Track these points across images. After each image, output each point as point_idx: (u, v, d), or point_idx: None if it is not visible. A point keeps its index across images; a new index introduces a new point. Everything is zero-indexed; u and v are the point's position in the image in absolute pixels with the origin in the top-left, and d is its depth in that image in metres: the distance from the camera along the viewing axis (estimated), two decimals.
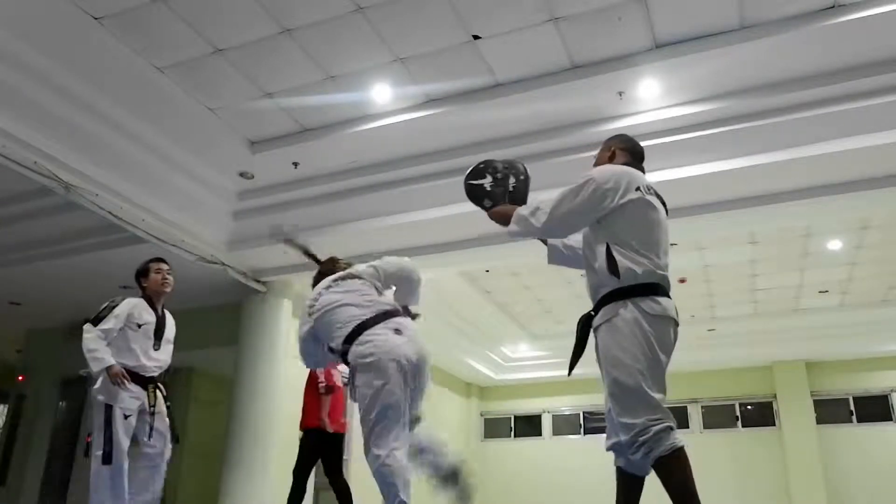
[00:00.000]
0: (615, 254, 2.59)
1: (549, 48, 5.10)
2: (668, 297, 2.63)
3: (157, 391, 4.30)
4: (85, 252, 7.02)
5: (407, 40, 5.06)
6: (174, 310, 9.56)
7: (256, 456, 7.29)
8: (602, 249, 2.63)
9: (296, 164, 6.46)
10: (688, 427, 12.53)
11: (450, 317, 10.30)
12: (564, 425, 13.46)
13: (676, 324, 2.64)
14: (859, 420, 11.77)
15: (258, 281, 7.85)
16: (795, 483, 11.23)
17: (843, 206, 6.19)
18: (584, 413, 13.20)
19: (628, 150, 3.02)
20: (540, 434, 13.51)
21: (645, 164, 5.51)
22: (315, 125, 6.11)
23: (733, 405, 12.42)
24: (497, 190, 3.02)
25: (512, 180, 3.03)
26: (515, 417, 13.90)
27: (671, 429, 2.45)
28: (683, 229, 6.79)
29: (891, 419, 11.60)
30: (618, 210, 2.65)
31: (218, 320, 8.39)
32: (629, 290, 2.56)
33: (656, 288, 2.60)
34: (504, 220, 2.90)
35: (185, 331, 9.36)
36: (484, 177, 3.04)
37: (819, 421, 11.72)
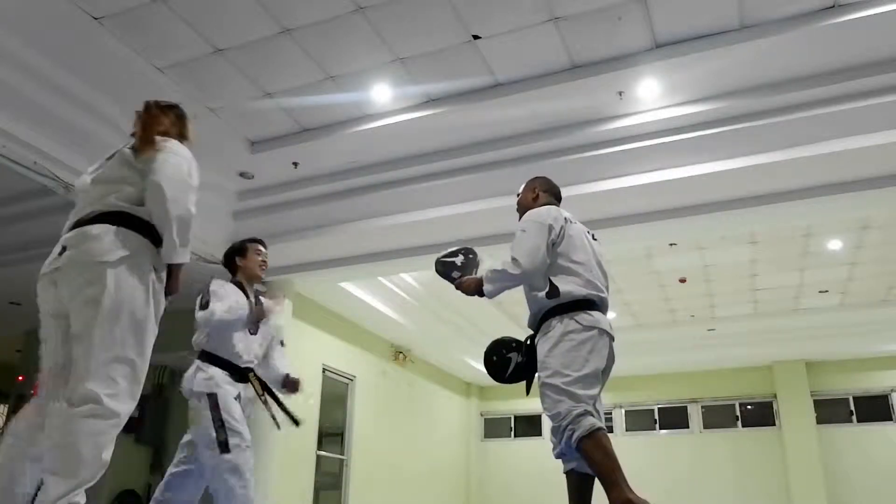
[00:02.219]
0: (553, 279, 2.98)
1: (549, 48, 5.10)
2: (603, 314, 3.03)
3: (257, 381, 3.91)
4: None
5: (407, 40, 5.06)
6: (175, 309, 9.55)
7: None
8: (544, 278, 3.00)
9: (296, 164, 6.46)
10: (688, 427, 12.54)
11: (450, 317, 10.30)
12: None
13: (611, 337, 3.01)
14: (859, 420, 11.77)
15: None
16: (795, 483, 11.23)
17: (843, 206, 6.19)
18: None
19: (549, 192, 3.43)
20: (540, 434, 13.51)
21: (645, 164, 5.63)
22: (315, 125, 6.12)
23: (733, 405, 12.42)
24: (467, 268, 3.35)
25: (477, 263, 3.37)
26: (515, 417, 13.90)
27: (589, 414, 2.75)
28: (683, 229, 6.80)
29: (891, 419, 11.60)
30: (556, 244, 3.05)
31: None
32: (565, 306, 2.94)
33: (589, 303, 2.98)
34: (475, 285, 3.20)
35: (184, 331, 9.36)
36: (456, 255, 3.35)
37: (819, 421, 11.72)
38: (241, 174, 6.69)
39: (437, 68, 5.34)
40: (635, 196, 6.02)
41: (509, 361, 3.19)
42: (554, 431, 2.84)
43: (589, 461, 2.73)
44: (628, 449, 14.36)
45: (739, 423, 12.28)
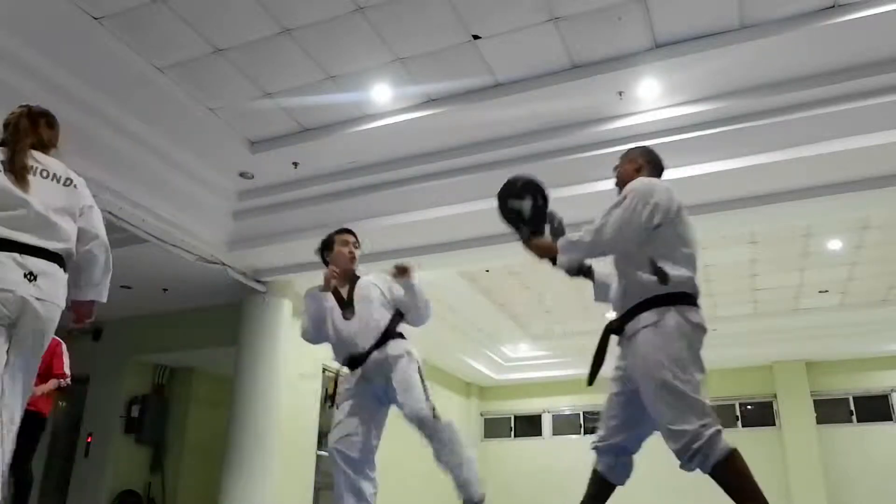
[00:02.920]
0: (660, 263, 2.62)
1: (549, 48, 5.10)
2: None
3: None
4: None
5: (407, 40, 5.06)
6: (174, 310, 9.55)
7: (256, 456, 7.29)
8: (645, 258, 2.65)
9: (296, 164, 6.46)
10: None
11: (450, 317, 10.30)
12: (564, 425, 13.46)
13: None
14: (859, 420, 11.77)
15: (258, 281, 7.85)
16: (795, 483, 11.23)
17: (843, 206, 6.19)
18: (584, 413, 13.20)
19: (654, 164, 3.04)
20: (540, 434, 13.52)
21: None
22: (315, 125, 6.11)
23: (733, 405, 12.42)
24: (535, 220, 2.92)
25: (547, 213, 2.93)
26: (515, 417, 13.90)
27: (720, 432, 2.47)
28: None
29: (891, 419, 11.60)
30: (666, 225, 2.67)
31: (218, 320, 8.40)
32: (676, 297, 2.60)
33: (696, 300, 2.66)
34: (545, 251, 2.85)
35: (185, 331, 9.39)
36: (522, 198, 2.91)
37: (819, 421, 11.71)
38: (241, 174, 6.69)
39: (437, 68, 5.34)
40: None
41: (523, 199, 2.83)
42: (681, 453, 2.49)
43: (727, 486, 2.45)
44: None
45: (739, 423, 12.28)
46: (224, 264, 7.39)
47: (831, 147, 5.36)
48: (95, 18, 4.82)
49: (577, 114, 5.70)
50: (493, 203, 2.94)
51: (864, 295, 9.80)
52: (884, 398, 11.73)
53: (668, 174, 5.86)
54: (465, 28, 4.92)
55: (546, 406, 13.53)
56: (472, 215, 6.44)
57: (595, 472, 2.84)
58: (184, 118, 5.85)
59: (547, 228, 2.93)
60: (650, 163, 3.02)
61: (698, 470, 2.51)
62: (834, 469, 11.26)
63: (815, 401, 11.82)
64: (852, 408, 11.88)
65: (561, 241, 2.79)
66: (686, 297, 2.62)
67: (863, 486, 11.06)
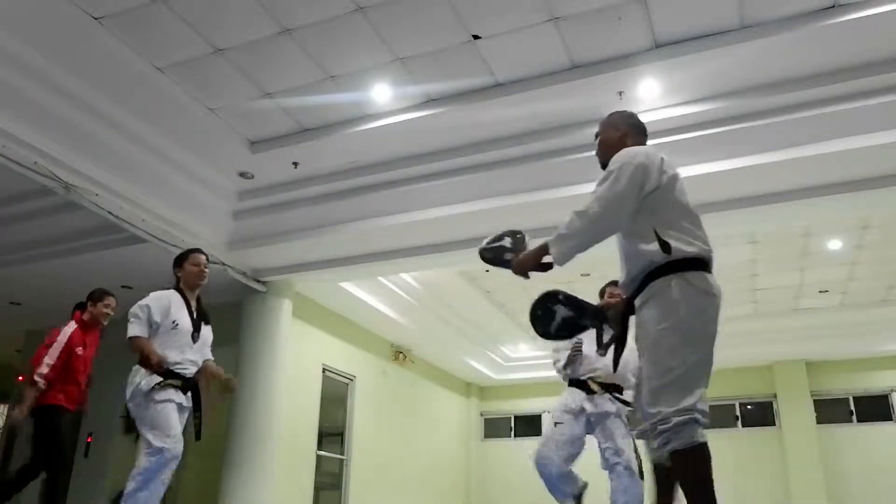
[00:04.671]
0: (660, 233, 2.47)
1: (549, 48, 5.10)
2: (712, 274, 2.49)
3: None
4: (85, 252, 7.02)
5: (407, 40, 5.07)
6: None
7: (256, 456, 7.29)
8: (647, 229, 2.50)
9: (296, 164, 6.47)
10: None
11: (450, 317, 10.30)
12: None
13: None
14: (859, 420, 11.76)
15: (258, 281, 7.85)
16: (795, 483, 11.22)
17: (843, 206, 6.19)
18: None
19: (637, 128, 2.95)
20: (540, 434, 13.48)
21: None
22: (315, 125, 6.12)
23: (733, 405, 12.41)
24: (517, 249, 2.81)
25: (526, 245, 2.82)
26: (515, 417, 13.88)
27: (695, 422, 2.27)
28: None
29: (891, 419, 11.58)
30: (656, 191, 2.56)
31: (218, 320, 8.33)
32: (678, 264, 2.42)
33: (705, 263, 2.48)
34: (534, 257, 2.65)
35: None
36: (502, 239, 2.85)
37: (819, 421, 11.71)
38: (241, 174, 6.70)
39: (437, 68, 5.34)
40: None
41: (553, 315, 2.74)
42: (649, 432, 2.38)
43: (680, 477, 2.32)
44: None
45: (739, 423, 12.27)
46: (224, 264, 7.39)
47: (831, 147, 5.36)
48: (95, 18, 4.82)
49: (577, 114, 5.70)
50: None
51: (863, 295, 9.80)
52: (884, 398, 11.72)
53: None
54: (465, 28, 4.92)
55: (546, 406, 13.48)
56: (472, 215, 6.44)
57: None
58: (184, 118, 5.86)
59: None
60: (634, 127, 2.95)
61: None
62: (834, 469, 11.26)
63: (814, 401, 11.81)
64: (852, 408, 11.87)
65: (551, 239, 2.56)
66: (693, 263, 2.43)
67: (862, 485, 11.05)
